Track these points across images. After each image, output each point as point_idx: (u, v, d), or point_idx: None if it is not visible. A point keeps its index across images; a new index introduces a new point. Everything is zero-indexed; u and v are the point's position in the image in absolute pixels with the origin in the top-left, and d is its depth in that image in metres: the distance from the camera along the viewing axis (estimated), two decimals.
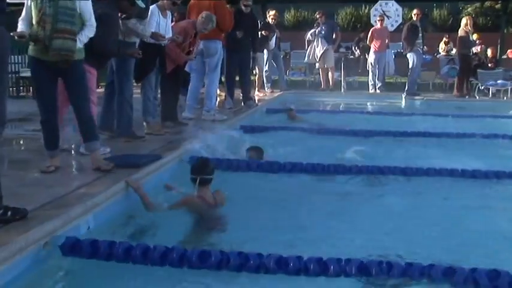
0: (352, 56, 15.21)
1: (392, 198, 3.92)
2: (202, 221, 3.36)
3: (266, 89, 11.39)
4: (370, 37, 11.98)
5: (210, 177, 3.52)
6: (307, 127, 6.79)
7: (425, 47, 11.00)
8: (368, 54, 12.40)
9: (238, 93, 8.39)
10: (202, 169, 3.51)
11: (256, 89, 10.96)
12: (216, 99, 7.26)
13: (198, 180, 3.43)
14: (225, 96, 8.42)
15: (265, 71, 11.31)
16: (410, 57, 10.85)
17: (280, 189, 4.17)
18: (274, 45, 10.86)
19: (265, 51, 11.21)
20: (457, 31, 11.07)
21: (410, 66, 10.94)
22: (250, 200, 3.83)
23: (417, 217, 3.52)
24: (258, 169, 4.52)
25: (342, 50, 14.58)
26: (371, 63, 11.93)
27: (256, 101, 8.65)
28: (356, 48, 14.75)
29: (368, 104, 10.66)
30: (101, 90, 6.16)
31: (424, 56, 11.98)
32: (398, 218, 3.47)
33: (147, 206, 3.42)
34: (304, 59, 12.48)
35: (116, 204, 3.39)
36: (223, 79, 8.59)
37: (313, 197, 3.97)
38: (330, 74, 11.56)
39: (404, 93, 10.95)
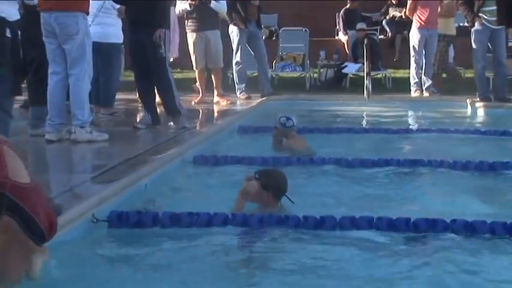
0: (382, 36, 15.58)
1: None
2: None
3: (238, 92, 11.56)
4: (411, 4, 12.33)
5: None
6: (308, 156, 6.93)
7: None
8: (408, 33, 12.74)
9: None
10: None
11: (216, 93, 11.11)
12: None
13: None
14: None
15: (236, 62, 11.53)
16: (473, 35, 11.07)
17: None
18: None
19: (234, 29, 11.42)
20: None
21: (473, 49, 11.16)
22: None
23: None
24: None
25: (361, 25, 14.80)
26: (414, 48, 12.25)
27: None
28: (387, 20, 15.11)
29: (409, 115, 10.90)
30: None
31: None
32: None
33: None
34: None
35: None
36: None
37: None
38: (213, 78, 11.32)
39: (477, 97, 11.12)
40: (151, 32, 7.96)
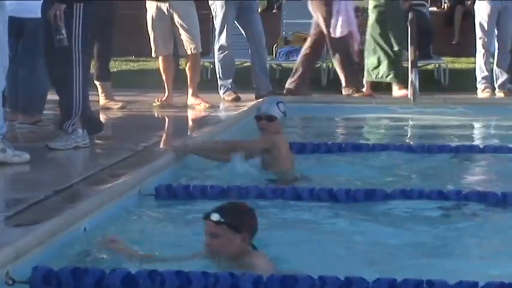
0: (434, 8, 15.65)
1: None
2: None
3: (222, 91, 11.68)
4: None
5: None
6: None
7: None
8: (473, 5, 12.83)
9: None
10: None
11: (190, 92, 11.21)
12: None
13: None
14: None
15: (220, 47, 11.67)
16: None
17: None
18: None
19: None
20: None
21: None
22: None
23: None
24: None
25: None
26: (481, 26, 12.34)
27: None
28: None
29: (475, 125, 11.10)
30: None
31: None
32: None
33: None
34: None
35: None
36: None
37: None
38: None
39: None
40: (47, 8, 7.91)
